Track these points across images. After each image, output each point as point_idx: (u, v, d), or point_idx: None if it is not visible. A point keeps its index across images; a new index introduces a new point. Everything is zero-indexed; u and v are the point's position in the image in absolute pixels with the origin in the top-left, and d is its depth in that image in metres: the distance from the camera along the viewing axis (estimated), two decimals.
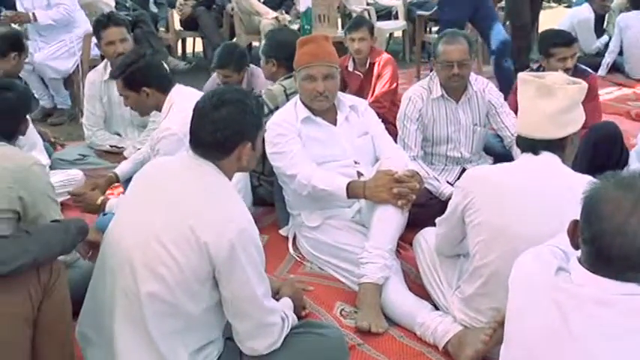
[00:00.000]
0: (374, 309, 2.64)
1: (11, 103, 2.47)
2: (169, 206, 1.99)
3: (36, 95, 5.60)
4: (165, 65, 3.40)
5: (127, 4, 6.77)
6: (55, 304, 1.99)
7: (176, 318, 1.96)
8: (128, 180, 2.96)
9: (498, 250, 2.25)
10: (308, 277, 3.02)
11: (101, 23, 4.16)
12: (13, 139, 2.54)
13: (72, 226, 2.09)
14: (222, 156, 2.06)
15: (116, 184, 3.48)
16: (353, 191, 2.90)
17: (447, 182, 3.50)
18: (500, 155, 3.70)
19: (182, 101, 2.99)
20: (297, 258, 3.21)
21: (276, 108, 3.39)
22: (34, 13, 5.35)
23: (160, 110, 3.21)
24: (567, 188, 2.09)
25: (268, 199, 3.62)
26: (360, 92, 4.56)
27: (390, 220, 2.83)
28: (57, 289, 1.99)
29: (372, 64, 4.64)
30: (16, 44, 4.10)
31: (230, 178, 2.12)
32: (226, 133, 2.04)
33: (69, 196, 3.56)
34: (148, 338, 1.94)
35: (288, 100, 3.41)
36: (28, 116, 2.71)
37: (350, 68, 4.72)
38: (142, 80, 3.13)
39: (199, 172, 2.05)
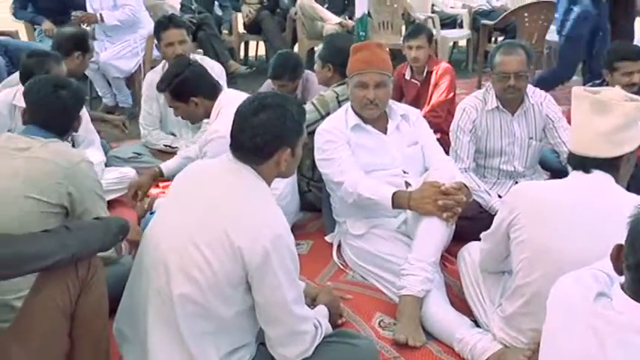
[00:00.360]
0: (413, 322, 2.59)
1: (65, 101, 2.50)
2: (207, 209, 1.99)
3: (99, 93, 5.79)
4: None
5: (192, 7, 6.90)
6: (92, 299, 2.01)
7: (208, 320, 1.96)
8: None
9: (542, 269, 2.17)
10: (349, 286, 2.99)
11: (161, 24, 4.24)
12: (66, 136, 2.60)
13: (112, 225, 2.12)
14: (260, 161, 2.07)
15: (167, 182, 3.51)
16: (398, 201, 2.86)
17: (499, 196, 3.41)
18: (557, 171, 3.59)
19: (230, 105, 2.99)
20: (340, 265, 3.18)
21: (327, 114, 3.37)
22: (101, 14, 5.52)
23: (209, 117, 3.23)
24: (618, 210, 1.97)
25: (317, 205, 3.62)
26: (417, 101, 4.51)
27: (434, 232, 2.77)
28: (94, 284, 2.01)
29: (429, 73, 4.56)
30: (79, 44, 4.18)
31: (269, 183, 2.12)
32: (265, 138, 2.04)
33: (121, 194, 3.64)
34: (180, 338, 1.95)
35: (339, 106, 3.39)
36: (86, 111, 2.76)
37: (407, 76, 4.66)
38: (189, 91, 3.15)
39: (238, 176, 2.06)
